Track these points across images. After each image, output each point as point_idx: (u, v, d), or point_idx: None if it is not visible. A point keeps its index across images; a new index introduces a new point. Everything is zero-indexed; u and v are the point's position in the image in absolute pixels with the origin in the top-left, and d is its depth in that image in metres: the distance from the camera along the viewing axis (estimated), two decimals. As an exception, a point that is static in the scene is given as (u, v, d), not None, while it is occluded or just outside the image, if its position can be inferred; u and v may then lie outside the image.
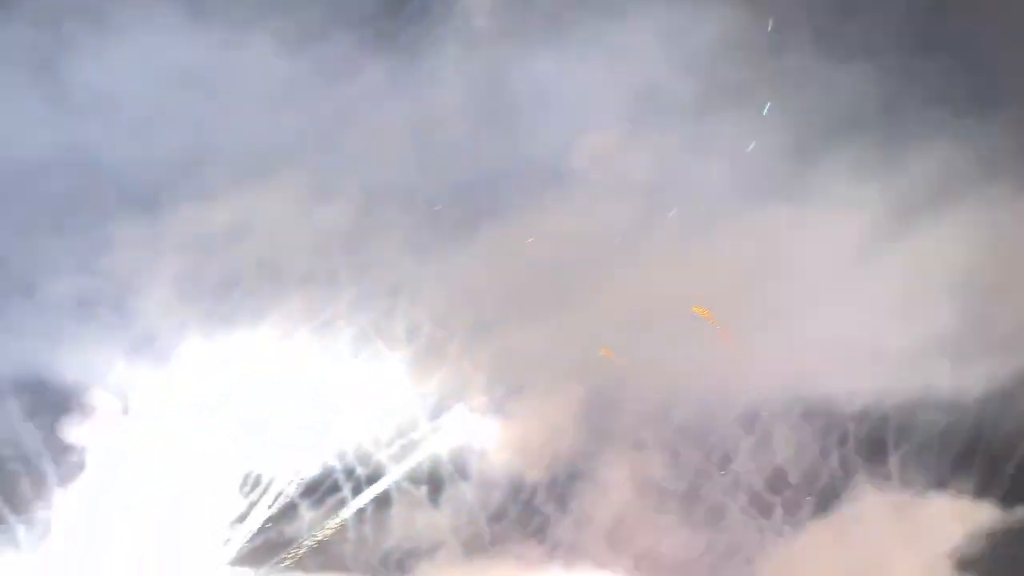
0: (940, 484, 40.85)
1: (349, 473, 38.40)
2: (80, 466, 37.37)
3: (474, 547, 38.57)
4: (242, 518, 38.34)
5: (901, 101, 41.71)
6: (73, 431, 37.66)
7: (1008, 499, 40.37)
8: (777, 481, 40.90)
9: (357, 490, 38.61)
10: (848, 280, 41.50)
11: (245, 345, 38.97)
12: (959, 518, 40.46)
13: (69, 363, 37.82)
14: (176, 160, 39.38)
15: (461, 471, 39.28)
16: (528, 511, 39.63)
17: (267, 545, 38.40)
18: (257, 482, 38.33)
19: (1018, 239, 41.09)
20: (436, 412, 39.56)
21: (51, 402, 37.35)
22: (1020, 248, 41.07)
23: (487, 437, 39.57)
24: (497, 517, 39.21)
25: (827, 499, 40.91)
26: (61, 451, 37.23)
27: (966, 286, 40.47)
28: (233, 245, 39.48)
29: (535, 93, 42.07)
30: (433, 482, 39.00)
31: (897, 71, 41.70)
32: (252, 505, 38.21)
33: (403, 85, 41.99)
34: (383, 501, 38.67)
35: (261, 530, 38.41)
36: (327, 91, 41.14)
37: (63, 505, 37.08)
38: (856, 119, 42.21)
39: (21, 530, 36.69)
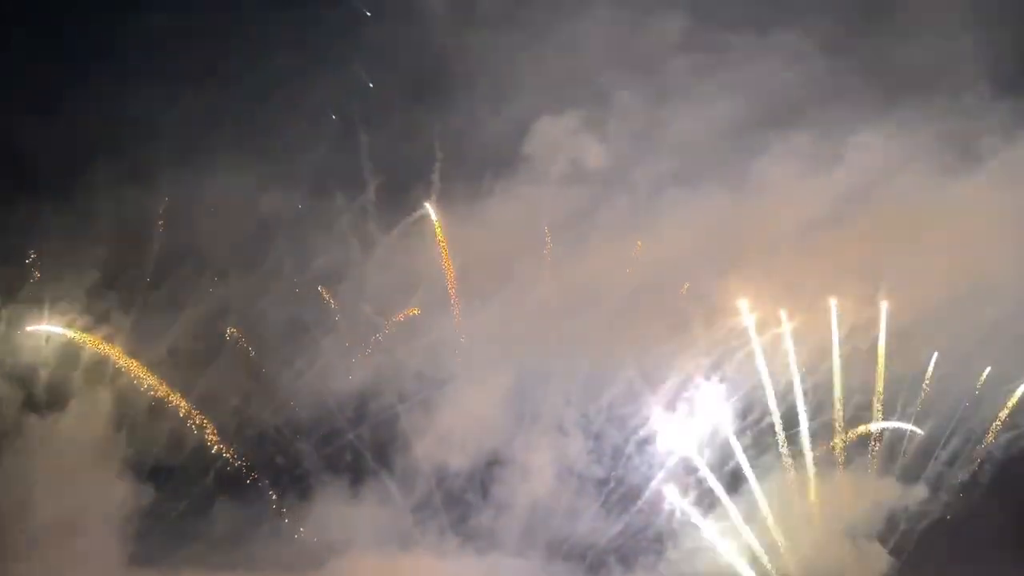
0: (845, 462, 40.77)
1: (268, 463, 36.85)
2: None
3: (389, 539, 37.26)
4: (151, 511, 36.62)
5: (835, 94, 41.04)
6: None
7: (907, 477, 40.49)
8: (693, 463, 40.55)
9: (276, 481, 37.19)
10: (782, 271, 40.79)
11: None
12: (861, 495, 40.51)
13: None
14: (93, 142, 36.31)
15: (382, 462, 37.91)
16: (447, 500, 38.63)
17: (175, 540, 36.53)
18: (170, 473, 36.72)
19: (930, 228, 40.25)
20: (364, 401, 38.05)
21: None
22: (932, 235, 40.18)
23: (411, 427, 38.11)
24: (415, 508, 38.10)
25: (736, 481, 40.59)
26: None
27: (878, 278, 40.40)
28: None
29: (486, 78, 40.44)
30: (354, 473, 37.57)
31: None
32: (163, 498, 36.58)
33: (343, 66, 39.55)
34: (302, 493, 37.19)
35: (170, 525, 36.69)
36: (257, 67, 38.36)
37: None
38: (796, 112, 41.19)
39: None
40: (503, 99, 40.87)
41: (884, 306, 41.05)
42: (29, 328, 36.04)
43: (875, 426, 41.23)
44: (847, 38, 41.76)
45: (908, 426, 40.65)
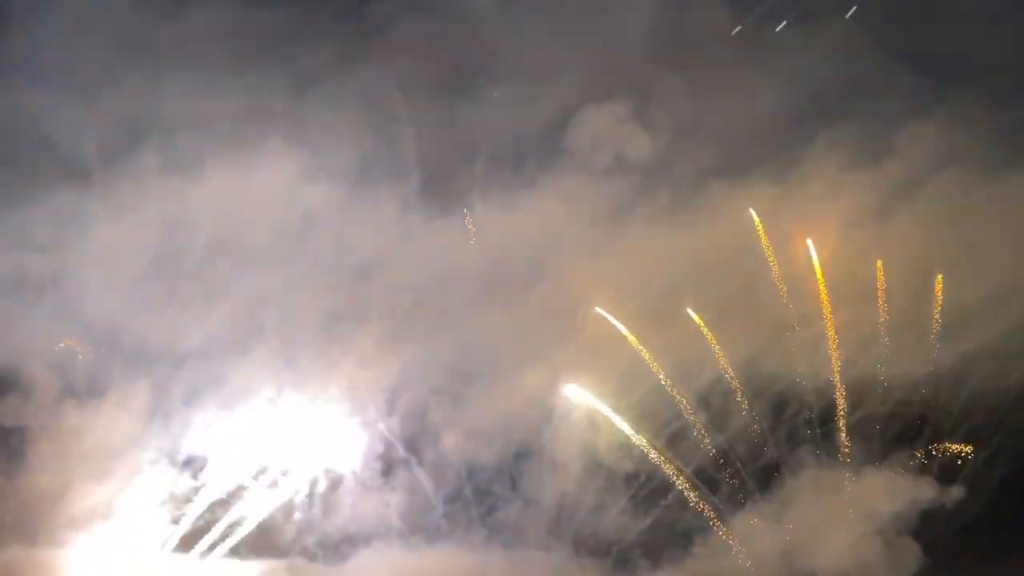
0: (880, 461, 39.75)
1: (302, 454, 37.03)
2: (20, 449, 35.81)
3: (416, 531, 37.29)
4: (187, 500, 36.91)
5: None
6: (11, 414, 36.00)
7: (944, 478, 39.29)
8: (723, 459, 39.95)
9: (307, 472, 37.36)
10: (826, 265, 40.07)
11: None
12: (897, 493, 39.60)
13: (5, 343, 35.77)
14: (122, 130, 36.27)
15: (414, 454, 37.87)
16: (476, 493, 38.33)
17: (207, 529, 36.82)
18: (205, 464, 37.08)
19: (978, 224, 39.46)
20: (397, 394, 37.85)
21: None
22: (980, 231, 39.41)
23: (442, 420, 37.87)
24: (444, 500, 37.90)
25: (769, 476, 39.78)
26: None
27: (925, 272, 39.36)
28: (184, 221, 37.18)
29: (528, 68, 39.98)
30: (385, 465, 37.50)
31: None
32: (199, 487, 36.97)
33: (381, 54, 39.10)
34: (333, 484, 37.20)
35: (204, 513, 36.88)
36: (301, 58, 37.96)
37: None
38: (844, 103, 40.78)
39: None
40: (545, 90, 40.34)
41: (937, 298, 39.98)
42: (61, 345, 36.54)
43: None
44: (897, 27, 40.49)
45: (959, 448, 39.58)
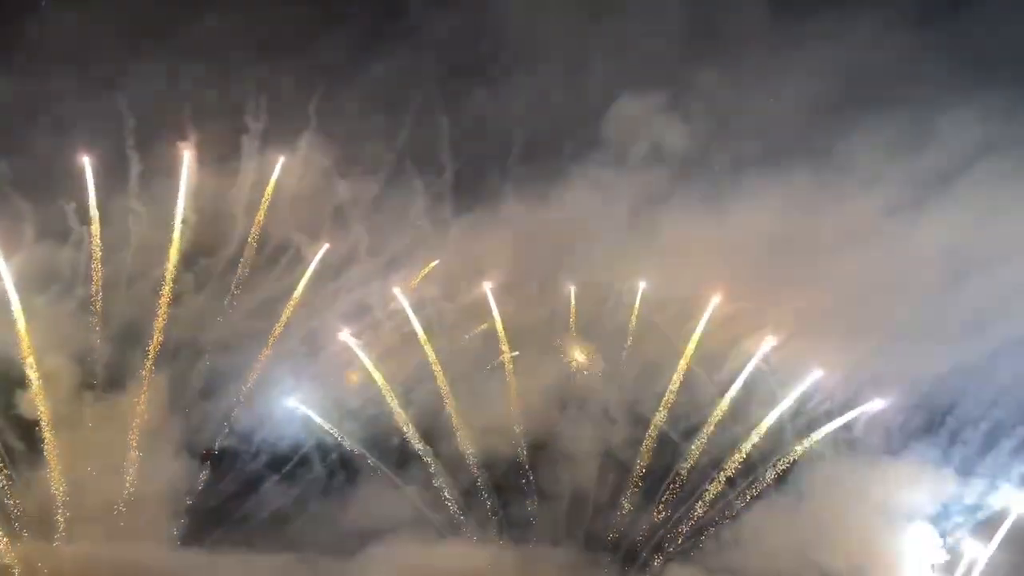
0: (899, 452, 39.23)
1: (318, 447, 37.15)
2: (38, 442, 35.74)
3: (430, 525, 37.45)
4: (199, 492, 37.03)
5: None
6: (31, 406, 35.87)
7: (964, 470, 38.67)
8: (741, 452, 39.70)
9: (324, 464, 37.48)
10: (848, 256, 39.34)
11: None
12: (917, 486, 39.21)
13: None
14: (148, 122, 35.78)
15: (430, 447, 37.82)
16: (490, 488, 38.30)
17: (220, 521, 36.82)
18: (222, 455, 37.27)
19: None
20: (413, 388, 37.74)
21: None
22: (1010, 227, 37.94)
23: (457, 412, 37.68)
24: (458, 494, 37.91)
25: (786, 470, 39.45)
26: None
27: (950, 266, 38.41)
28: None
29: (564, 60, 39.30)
30: (401, 458, 37.53)
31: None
32: (213, 479, 37.16)
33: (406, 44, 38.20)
34: (349, 478, 37.34)
35: (218, 506, 36.98)
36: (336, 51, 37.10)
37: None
38: (883, 90, 39.70)
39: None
40: (581, 81, 39.80)
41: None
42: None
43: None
44: (934, 12, 38.76)
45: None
